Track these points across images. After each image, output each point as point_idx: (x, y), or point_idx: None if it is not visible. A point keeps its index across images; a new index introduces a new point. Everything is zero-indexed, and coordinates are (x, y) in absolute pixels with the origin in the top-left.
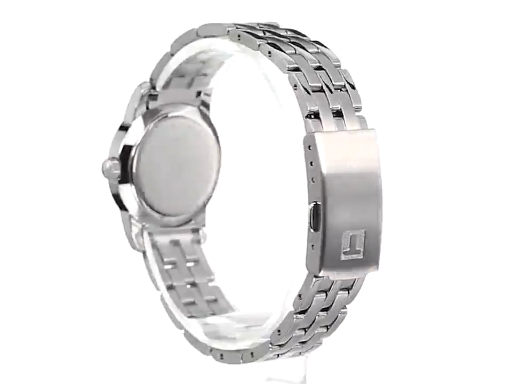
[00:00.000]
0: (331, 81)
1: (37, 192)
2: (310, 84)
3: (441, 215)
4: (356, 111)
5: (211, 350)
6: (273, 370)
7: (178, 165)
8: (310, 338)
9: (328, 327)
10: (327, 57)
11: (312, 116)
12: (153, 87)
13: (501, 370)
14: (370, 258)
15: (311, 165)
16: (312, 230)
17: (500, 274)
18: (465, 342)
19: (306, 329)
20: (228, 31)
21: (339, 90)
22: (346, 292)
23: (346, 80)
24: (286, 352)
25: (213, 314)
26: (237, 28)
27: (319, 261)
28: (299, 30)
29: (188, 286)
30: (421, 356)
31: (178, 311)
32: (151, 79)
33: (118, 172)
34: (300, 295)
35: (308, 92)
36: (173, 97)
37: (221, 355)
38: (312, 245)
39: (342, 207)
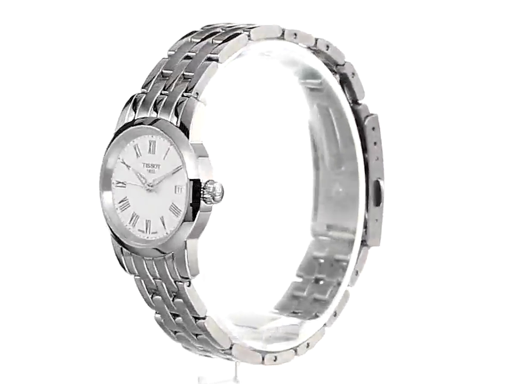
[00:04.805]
0: None
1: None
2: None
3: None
4: None
5: (263, 358)
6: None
7: None
8: None
9: None
10: None
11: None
12: None
13: (500, 370)
14: None
15: (375, 144)
16: (377, 206)
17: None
18: (463, 340)
19: None
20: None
21: None
22: None
23: None
24: None
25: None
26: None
27: (380, 233)
28: None
29: None
30: (419, 355)
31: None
32: None
33: None
34: (356, 271)
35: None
36: None
37: (275, 357)
38: (376, 219)
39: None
